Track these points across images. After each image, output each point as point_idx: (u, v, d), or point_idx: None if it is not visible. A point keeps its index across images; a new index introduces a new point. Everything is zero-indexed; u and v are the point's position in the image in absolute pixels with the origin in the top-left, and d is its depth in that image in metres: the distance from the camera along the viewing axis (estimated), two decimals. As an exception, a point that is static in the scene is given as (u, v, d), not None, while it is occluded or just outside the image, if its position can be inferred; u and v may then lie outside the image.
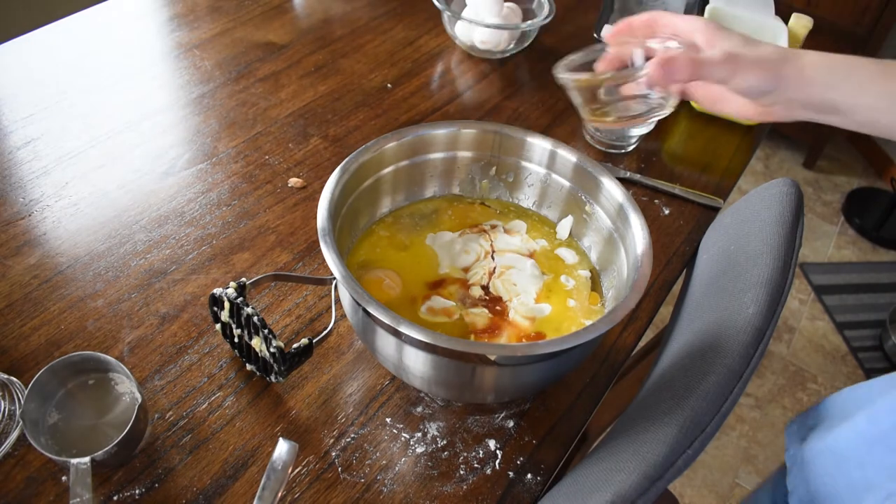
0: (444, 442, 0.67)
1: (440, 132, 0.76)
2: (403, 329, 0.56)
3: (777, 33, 1.06)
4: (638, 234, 0.67)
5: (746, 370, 0.60)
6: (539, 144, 0.75)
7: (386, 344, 0.62)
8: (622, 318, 0.59)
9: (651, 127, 1.02)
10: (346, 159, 0.70)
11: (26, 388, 0.61)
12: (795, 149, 2.61)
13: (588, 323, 0.69)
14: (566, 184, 0.76)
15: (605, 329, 0.58)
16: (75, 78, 1.03)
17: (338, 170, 0.68)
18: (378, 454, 0.66)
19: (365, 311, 0.59)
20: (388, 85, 1.09)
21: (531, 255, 0.75)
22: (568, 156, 0.74)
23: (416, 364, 0.60)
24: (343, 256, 0.62)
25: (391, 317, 0.56)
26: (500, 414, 0.70)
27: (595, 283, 0.74)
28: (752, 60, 0.58)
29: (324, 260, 0.60)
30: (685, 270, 0.88)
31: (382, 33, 1.19)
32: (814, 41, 0.95)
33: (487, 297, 0.70)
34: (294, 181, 0.91)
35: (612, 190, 0.70)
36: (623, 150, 1.02)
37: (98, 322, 0.73)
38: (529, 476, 0.66)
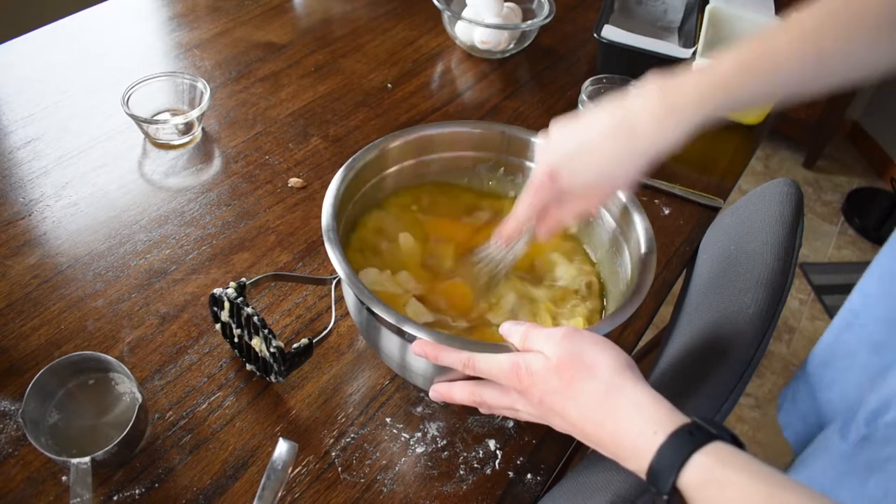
0: (444, 442, 0.67)
1: (447, 131, 0.76)
2: (407, 328, 0.56)
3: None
4: (641, 235, 0.67)
5: (746, 370, 0.60)
6: None
7: (389, 343, 0.62)
8: (623, 321, 0.59)
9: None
10: (352, 157, 0.70)
11: (24, 394, 0.61)
12: (795, 149, 2.60)
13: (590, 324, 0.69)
14: None
15: (606, 330, 0.58)
16: (75, 78, 1.03)
17: (343, 168, 0.68)
18: (378, 454, 0.66)
19: (369, 309, 0.59)
20: (388, 85, 1.09)
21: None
22: None
23: (419, 363, 0.60)
24: (345, 252, 0.62)
25: (395, 316, 0.57)
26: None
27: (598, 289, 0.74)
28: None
29: (324, 260, 0.60)
30: (685, 270, 0.88)
31: (382, 33, 1.19)
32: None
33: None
34: (294, 181, 0.91)
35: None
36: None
37: (98, 322, 0.73)
38: (529, 476, 0.66)
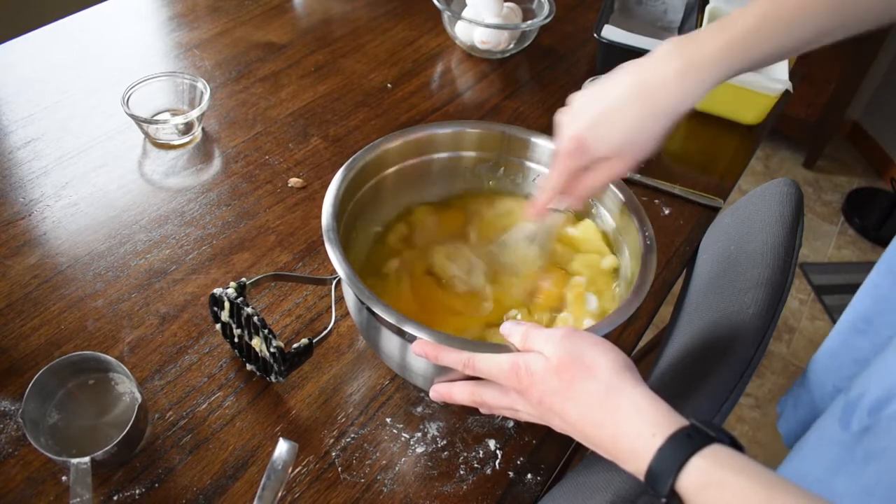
0: (444, 442, 0.67)
1: (447, 131, 0.76)
2: (407, 329, 0.56)
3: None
4: (641, 236, 0.67)
5: (746, 370, 0.60)
6: (545, 145, 0.75)
7: (390, 343, 0.62)
8: (623, 321, 0.59)
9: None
10: (352, 157, 0.70)
11: (24, 394, 0.61)
12: (795, 149, 2.60)
13: (589, 324, 0.69)
14: None
15: (606, 330, 0.58)
16: (75, 78, 1.03)
17: (343, 168, 0.68)
18: (378, 454, 0.66)
19: (369, 309, 0.59)
20: (388, 85, 1.09)
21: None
22: None
23: (419, 363, 0.60)
24: (347, 253, 0.62)
25: (395, 316, 0.57)
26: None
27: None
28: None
29: (324, 260, 0.60)
30: (685, 270, 0.88)
31: (382, 33, 1.19)
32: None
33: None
34: (294, 181, 0.91)
35: (616, 190, 0.71)
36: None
37: (98, 322, 0.73)
38: (529, 476, 0.66)
